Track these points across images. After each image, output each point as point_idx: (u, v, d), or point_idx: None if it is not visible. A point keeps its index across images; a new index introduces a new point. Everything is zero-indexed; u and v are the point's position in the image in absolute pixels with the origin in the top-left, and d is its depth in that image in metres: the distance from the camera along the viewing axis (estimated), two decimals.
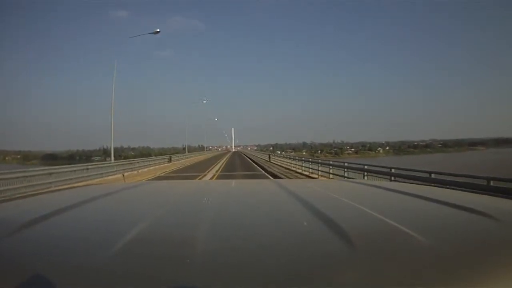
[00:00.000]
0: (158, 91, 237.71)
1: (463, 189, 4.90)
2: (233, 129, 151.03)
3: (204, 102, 42.90)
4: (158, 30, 19.12)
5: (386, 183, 2.43)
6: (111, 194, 1.07)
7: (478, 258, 0.46)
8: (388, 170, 7.97)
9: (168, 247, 0.53)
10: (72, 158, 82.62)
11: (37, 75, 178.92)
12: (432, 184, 5.25)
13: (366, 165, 9.78)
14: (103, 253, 0.48)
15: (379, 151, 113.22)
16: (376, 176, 8.50)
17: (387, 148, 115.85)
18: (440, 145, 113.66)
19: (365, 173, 9.26)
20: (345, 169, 10.75)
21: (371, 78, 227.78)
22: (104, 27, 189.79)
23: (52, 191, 1.43)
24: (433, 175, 6.22)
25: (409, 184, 2.12)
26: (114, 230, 0.65)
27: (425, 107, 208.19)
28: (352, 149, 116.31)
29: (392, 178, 7.56)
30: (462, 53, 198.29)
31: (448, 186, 5.32)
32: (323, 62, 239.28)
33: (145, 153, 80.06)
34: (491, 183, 4.79)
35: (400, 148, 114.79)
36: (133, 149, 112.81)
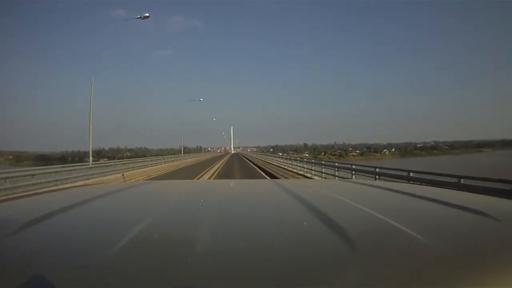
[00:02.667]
0: (157, 91, 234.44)
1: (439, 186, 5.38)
2: (232, 128, 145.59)
3: (201, 100, 41.34)
4: (147, 14, 18.37)
5: (386, 183, 2.42)
6: (111, 194, 1.06)
7: (478, 258, 0.46)
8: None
9: (168, 247, 0.53)
10: (64, 159, 79.43)
11: (34, 75, 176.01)
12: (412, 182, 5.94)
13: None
14: (103, 253, 0.48)
15: (384, 153, 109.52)
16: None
17: (393, 149, 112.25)
18: (446, 147, 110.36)
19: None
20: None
21: (373, 79, 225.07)
22: (102, 26, 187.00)
23: (52, 191, 1.33)
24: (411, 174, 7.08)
25: (409, 184, 2.13)
26: (114, 230, 0.65)
27: (428, 108, 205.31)
28: (357, 151, 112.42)
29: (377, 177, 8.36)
30: (466, 53, 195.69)
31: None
32: (324, 63, 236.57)
33: (140, 155, 76.70)
34: (461, 181, 5.45)
35: (406, 149, 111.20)
36: (129, 150, 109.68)
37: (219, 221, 0.71)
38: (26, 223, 0.62)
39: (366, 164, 10.26)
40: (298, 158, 19.79)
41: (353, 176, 10.02)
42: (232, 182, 1.82)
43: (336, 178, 10.99)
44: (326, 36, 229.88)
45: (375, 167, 8.52)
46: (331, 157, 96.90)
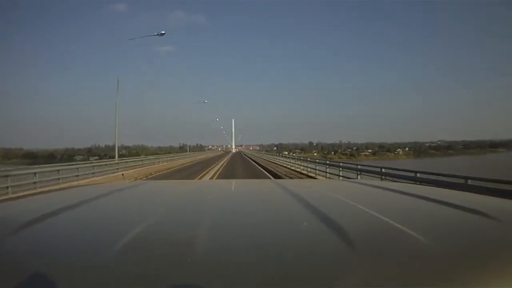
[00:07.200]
0: (158, 88, 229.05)
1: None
2: (233, 120, 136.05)
3: (206, 101, 37.00)
4: (163, 32, 19.29)
5: (386, 183, 2.44)
6: (111, 194, 1.06)
7: (478, 258, 0.46)
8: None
9: (168, 247, 0.53)
10: (53, 157, 74.27)
11: (32, 73, 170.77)
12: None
13: None
14: (104, 253, 0.48)
15: (398, 152, 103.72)
16: None
17: (407, 149, 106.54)
18: (461, 147, 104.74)
19: None
20: None
21: (379, 78, 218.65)
22: (101, 22, 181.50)
23: (52, 191, 1.31)
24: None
25: (408, 184, 2.11)
26: (114, 230, 0.65)
27: (434, 108, 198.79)
28: (369, 150, 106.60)
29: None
30: (477, 52, 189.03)
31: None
32: (328, 61, 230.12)
33: (133, 153, 70.95)
34: (417, 175, 6.66)
35: (420, 149, 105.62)
36: (126, 147, 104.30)
37: (220, 221, 0.71)
38: (26, 223, 0.62)
39: (443, 173, 6.53)
40: (317, 160, 15.65)
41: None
42: (232, 182, 1.77)
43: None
44: (330, 35, 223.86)
45: (467, 177, 5.52)
46: (342, 156, 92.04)
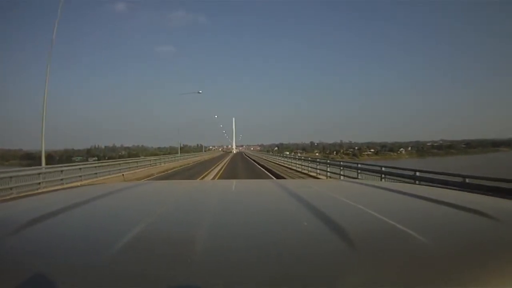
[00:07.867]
0: (159, 88, 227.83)
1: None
2: (234, 119, 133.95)
3: (200, 92, 35.41)
4: None
5: (386, 183, 2.48)
6: (111, 194, 1.05)
7: (478, 258, 0.46)
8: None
9: (168, 247, 0.53)
10: (51, 158, 73.44)
11: (31, 74, 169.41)
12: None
13: None
14: (103, 253, 0.48)
15: (401, 152, 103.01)
16: None
17: (409, 148, 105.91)
18: (464, 146, 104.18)
19: None
20: None
21: (380, 78, 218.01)
22: (101, 22, 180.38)
23: (52, 191, 1.31)
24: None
25: (408, 184, 2.09)
26: (114, 230, 0.65)
27: (434, 108, 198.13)
28: (371, 150, 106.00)
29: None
30: (477, 52, 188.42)
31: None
32: (328, 61, 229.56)
33: (133, 154, 70.06)
34: (416, 173, 6.65)
35: (423, 148, 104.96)
36: (125, 148, 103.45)
37: (219, 221, 0.71)
38: (26, 223, 0.62)
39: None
40: (329, 161, 15.27)
41: None
42: (232, 182, 1.81)
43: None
44: (330, 35, 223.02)
45: (465, 176, 5.41)
46: (344, 156, 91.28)
